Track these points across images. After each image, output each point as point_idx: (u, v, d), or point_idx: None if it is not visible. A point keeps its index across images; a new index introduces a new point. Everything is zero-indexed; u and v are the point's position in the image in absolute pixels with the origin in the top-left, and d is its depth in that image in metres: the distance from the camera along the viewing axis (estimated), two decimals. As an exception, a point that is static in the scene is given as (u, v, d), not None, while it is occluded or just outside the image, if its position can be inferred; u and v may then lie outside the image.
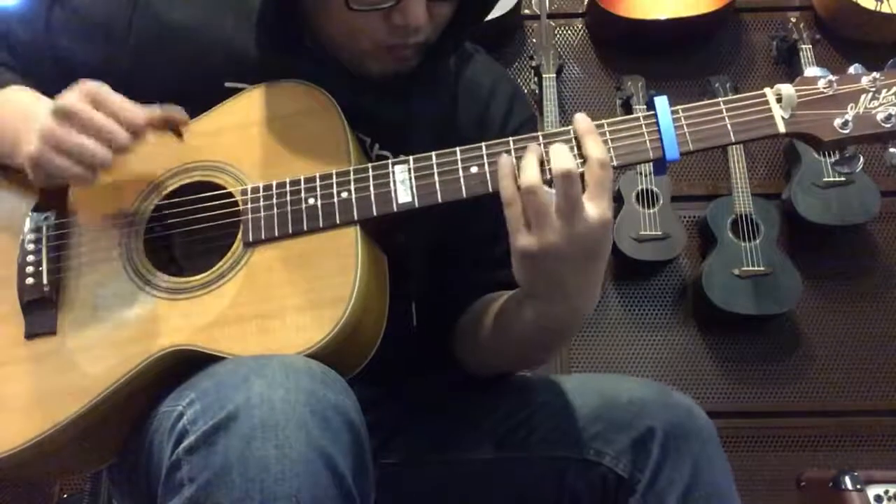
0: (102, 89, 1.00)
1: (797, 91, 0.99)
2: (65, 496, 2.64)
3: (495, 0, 1.16)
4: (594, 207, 0.94)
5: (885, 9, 2.90)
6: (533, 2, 3.22)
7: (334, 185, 1.02)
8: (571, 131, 1.00)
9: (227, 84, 1.12)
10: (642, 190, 2.85)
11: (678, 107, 1.00)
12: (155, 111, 1.03)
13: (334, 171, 1.03)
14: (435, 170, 1.02)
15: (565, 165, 0.93)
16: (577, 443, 1.11)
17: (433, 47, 1.12)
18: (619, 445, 1.09)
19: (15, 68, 1.16)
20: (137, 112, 1.01)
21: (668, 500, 1.04)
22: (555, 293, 0.99)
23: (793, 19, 3.03)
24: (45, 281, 1.06)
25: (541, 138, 1.01)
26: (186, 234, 1.08)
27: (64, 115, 0.99)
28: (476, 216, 1.12)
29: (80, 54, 1.15)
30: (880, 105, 0.98)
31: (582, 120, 0.99)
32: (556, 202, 0.93)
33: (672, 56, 3.12)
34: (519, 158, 0.99)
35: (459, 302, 1.24)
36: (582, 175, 0.95)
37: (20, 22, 1.17)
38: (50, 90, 1.15)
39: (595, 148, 0.96)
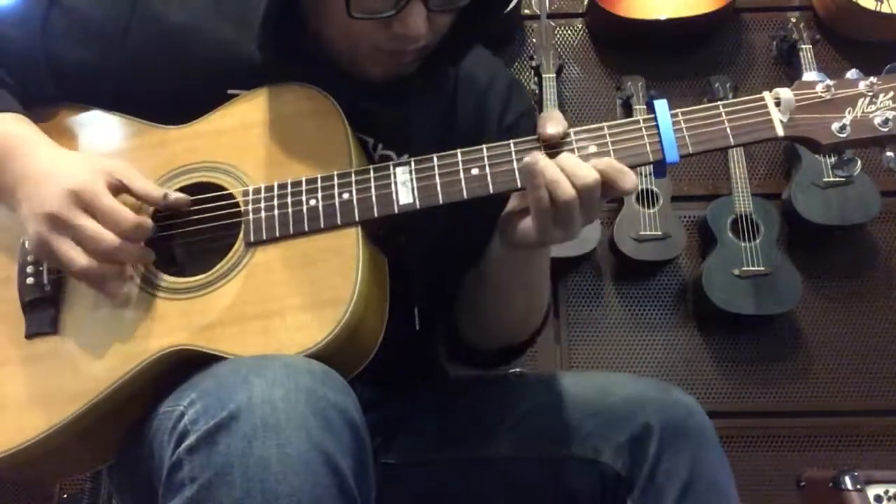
0: (94, 193, 0.99)
1: (795, 95, 1.00)
2: (65, 496, 2.63)
3: (500, 9, 1.16)
4: None
5: (885, 9, 2.89)
6: (533, 2, 3.21)
7: (335, 187, 1.03)
8: (572, 133, 1.01)
9: (230, 92, 1.12)
10: (642, 190, 2.85)
11: (677, 110, 1.01)
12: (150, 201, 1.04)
13: (335, 173, 1.03)
14: (436, 171, 1.02)
15: (593, 176, 0.98)
16: (574, 440, 1.12)
17: (435, 51, 1.12)
18: (617, 442, 1.09)
19: (6, 81, 1.15)
20: (125, 217, 0.99)
21: (666, 495, 1.05)
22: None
23: (793, 19, 3.02)
24: (45, 280, 1.07)
25: (541, 140, 1.02)
26: (188, 234, 1.08)
27: (53, 223, 0.99)
28: (476, 216, 1.12)
29: (78, 57, 1.14)
30: (878, 109, 0.99)
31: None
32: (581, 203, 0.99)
33: (672, 56, 3.11)
34: (520, 161, 1.01)
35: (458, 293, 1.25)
36: None
37: (13, 22, 1.16)
38: (42, 91, 1.15)
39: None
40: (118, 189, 1.02)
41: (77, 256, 0.98)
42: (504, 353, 1.27)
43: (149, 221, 1.02)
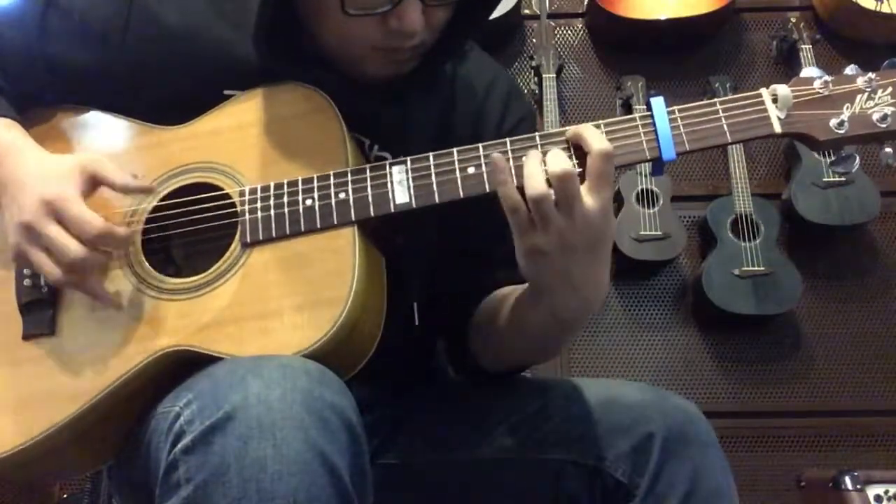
0: (64, 200, 1.00)
1: (793, 91, 1.00)
2: (65, 496, 2.64)
3: (494, 5, 1.16)
4: (594, 199, 0.95)
5: (885, 9, 2.90)
6: (533, 2, 3.21)
7: (332, 187, 1.02)
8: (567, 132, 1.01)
9: (227, 92, 1.12)
10: (642, 190, 2.85)
11: (674, 107, 1.00)
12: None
13: (332, 173, 1.03)
14: (432, 170, 1.02)
15: (563, 166, 0.93)
16: (575, 446, 1.11)
17: (431, 50, 1.12)
18: (619, 450, 1.09)
19: (3, 86, 1.15)
20: (91, 225, 1.00)
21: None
22: (564, 286, 0.99)
23: (793, 19, 3.02)
24: (42, 282, 1.07)
25: (538, 139, 1.01)
26: (184, 235, 1.08)
27: (28, 232, 1.00)
28: (476, 217, 1.12)
29: (75, 58, 1.14)
30: (876, 105, 0.98)
31: (575, 126, 1.00)
32: (556, 200, 0.94)
33: (672, 56, 3.11)
34: (517, 159, 0.99)
35: (463, 303, 1.24)
36: (581, 173, 0.96)
37: (9, 22, 1.16)
38: (39, 91, 1.15)
39: (598, 140, 0.96)
40: (94, 184, 1.04)
41: (48, 266, 1.00)
42: (510, 373, 1.26)
43: (119, 229, 1.03)
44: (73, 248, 0.99)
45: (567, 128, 1.01)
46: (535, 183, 0.94)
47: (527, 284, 1.07)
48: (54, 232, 0.99)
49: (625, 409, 1.11)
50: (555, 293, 1.01)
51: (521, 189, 0.96)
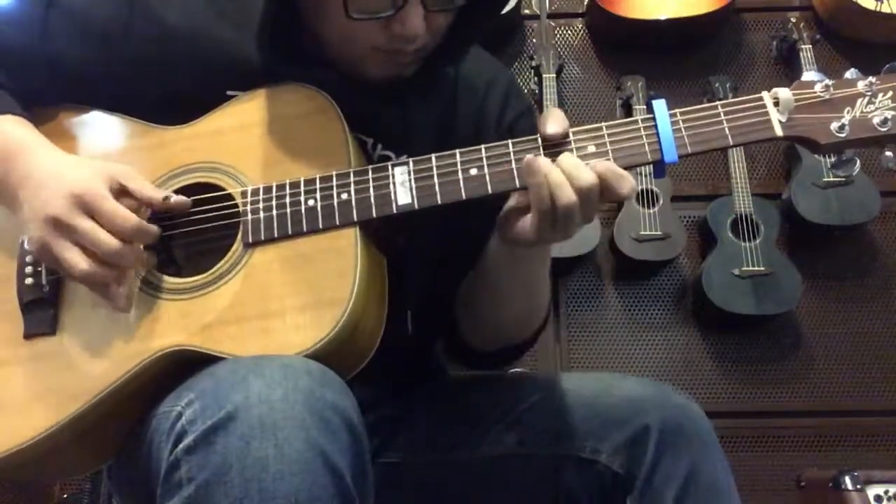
0: (96, 196, 0.99)
1: (794, 95, 1.00)
2: (65, 496, 2.64)
3: (497, 10, 1.16)
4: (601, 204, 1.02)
5: (885, 9, 2.90)
6: (533, 2, 3.21)
7: (334, 187, 1.03)
8: (571, 133, 1.01)
9: (229, 93, 1.12)
10: (642, 190, 2.85)
11: (676, 110, 1.01)
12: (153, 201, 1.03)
13: (334, 173, 1.03)
14: (434, 171, 1.02)
15: (591, 180, 0.98)
16: (573, 440, 1.12)
17: (433, 53, 1.12)
18: (615, 443, 1.09)
19: (6, 83, 1.14)
20: (128, 220, 0.99)
21: (665, 496, 1.05)
22: (542, 257, 1.16)
23: (793, 19, 3.02)
24: (44, 281, 1.07)
25: (539, 140, 1.02)
26: (186, 234, 1.08)
27: (55, 226, 0.99)
28: (477, 218, 1.12)
29: (77, 58, 1.14)
30: (876, 109, 0.99)
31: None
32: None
33: (672, 56, 3.11)
34: (518, 160, 1.01)
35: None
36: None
37: (11, 23, 1.15)
38: (41, 91, 1.15)
39: (626, 185, 1.00)
40: (119, 192, 1.02)
41: (78, 260, 0.98)
42: (503, 353, 1.26)
43: (152, 226, 1.02)
44: (110, 241, 0.98)
45: (570, 130, 1.02)
46: (567, 191, 0.97)
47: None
48: (88, 226, 0.98)
49: (623, 402, 1.12)
50: (533, 259, 1.13)
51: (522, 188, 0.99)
